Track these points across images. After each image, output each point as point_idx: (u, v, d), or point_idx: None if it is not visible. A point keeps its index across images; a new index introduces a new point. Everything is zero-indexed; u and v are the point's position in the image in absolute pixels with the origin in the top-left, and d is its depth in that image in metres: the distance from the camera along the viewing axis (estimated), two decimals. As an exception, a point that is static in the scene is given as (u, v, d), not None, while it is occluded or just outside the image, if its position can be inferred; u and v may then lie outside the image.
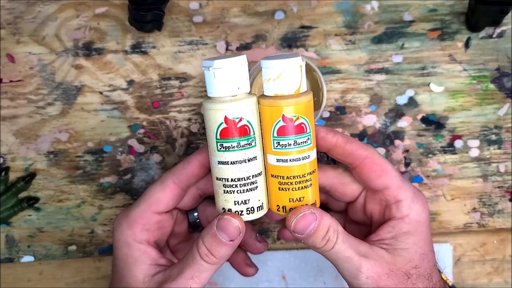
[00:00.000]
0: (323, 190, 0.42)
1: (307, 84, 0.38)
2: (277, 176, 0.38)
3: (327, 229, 0.37)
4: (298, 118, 0.36)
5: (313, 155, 0.37)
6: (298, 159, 0.37)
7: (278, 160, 0.37)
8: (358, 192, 0.41)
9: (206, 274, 0.37)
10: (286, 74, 0.35)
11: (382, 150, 0.48)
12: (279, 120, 0.36)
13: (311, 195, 0.38)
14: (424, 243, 0.38)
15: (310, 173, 0.37)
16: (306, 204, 0.37)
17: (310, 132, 0.36)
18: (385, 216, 0.40)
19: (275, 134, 0.36)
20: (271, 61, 0.35)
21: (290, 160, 0.37)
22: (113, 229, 0.41)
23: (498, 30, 0.47)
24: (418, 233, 0.38)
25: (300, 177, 0.37)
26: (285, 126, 0.36)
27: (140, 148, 0.48)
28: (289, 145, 0.36)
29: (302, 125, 0.36)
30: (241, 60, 0.35)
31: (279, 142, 0.36)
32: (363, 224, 0.43)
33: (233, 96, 0.35)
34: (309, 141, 0.37)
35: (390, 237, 0.38)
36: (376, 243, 0.38)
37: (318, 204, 0.39)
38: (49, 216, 0.49)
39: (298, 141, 0.36)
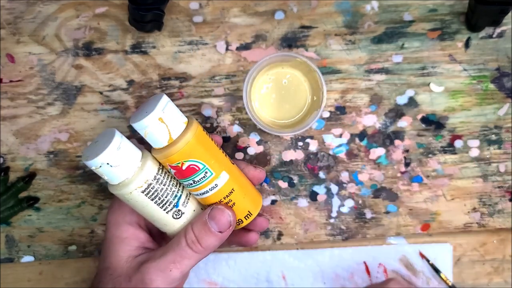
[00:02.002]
0: None
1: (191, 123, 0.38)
2: (204, 205, 0.40)
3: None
4: (182, 163, 0.36)
5: (221, 181, 0.38)
6: (207, 192, 0.38)
7: (195, 194, 0.39)
8: None
9: (188, 261, 0.38)
10: (150, 131, 0.36)
11: (382, 150, 0.48)
12: (170, 169, 0.37)
13: (238, 211, 0.40)
14: None
15: (227, 196, 0.39)
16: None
17: (204, 166, 0.37)
18: None
19: (176, 177, 0.38)
20: (134, 124, 0.36)
21: (200, 193, 0.38)
22: (107, 212, 0.42)
23: (498, 30, 0.47)
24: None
25: (218, 203, 0.39)
26: (177, 172, 0.37)
27: (140, 148, 0.48)
28: (191, 184, 0.38)
29: (191, 166, 0.37)
30: (112, 149, 0.35)
31: (183, 183, 0.38)
32: None
33: (121, 182, 0.37)
34: (208, 174, 0.37)
35: None
36: None
37: (254, 213, 0.41)
38: (49, 216, 0.49)
39: (196, 179, 0.37)
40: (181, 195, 0.39)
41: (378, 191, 0.48)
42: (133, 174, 0.36)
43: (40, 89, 0.47)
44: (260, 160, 0.48)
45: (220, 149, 0.40)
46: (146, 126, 0.35)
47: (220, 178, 0.38)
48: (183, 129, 0.37)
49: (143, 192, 0.37)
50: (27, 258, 0.49)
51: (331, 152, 0.48)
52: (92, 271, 0.50)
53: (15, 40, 0.47)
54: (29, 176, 0.48)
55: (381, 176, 0.48)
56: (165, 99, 0.36)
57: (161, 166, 0.38)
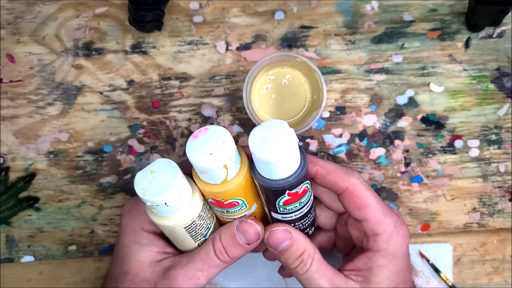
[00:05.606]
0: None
1: (243, 164, 0.36)
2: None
3: (302, 251, 0.37)
4: (226, 200, 0.36)
5: (250, 211, 0.38)
6: (234, 218, 0.38)
7: (220, 215, 0.39)
8: (343, 209, 0.42)
9: (216, 270, 0.38)
10: (209, 173, 0.35)
11: (382, 150, 0.48)
12: (210, 198, 0.37)
13: None
14: (396, 276, 0.38)
15: None
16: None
17: (243, 202, 0.37)
18: (363, 243, 0.40)
19: (211, 204, 0.38)
20: (193, 162, 0.34)
21: (227, 218, 0.39)
22: (121, 214, 0.41)
23: (498, 30, 0.47)
24: (392, 266, 0.38)
25: (247, 217, 0.38)
26: (216, 203, 0.37)
27: (140, 148, 0.48)
28: (223, 212, 0.38)
29: (233, 202, 0.36)
30: (174, 192, 0.34)
31: (215, 209, 0.38)
32: (350, 239, 0.43)
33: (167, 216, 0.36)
34: (243, 208, 0.37)
35: (365, 268, 0.38)
36: (352, 273, 0.39)
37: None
38: (49, 216, 0.49)
39: (231, 210, 0.37)
40: (211, 226, 0.39)
41: (378, 191, 0.48)
42: (181, 212, 0.36)
43: (40, 89, 0.47)
44: (260, 160, 0.48)
45: None
46: (209, 169, 0.34)
47: (250, 209, 0.38)
48: (238, 170, 0.36)
49: (185, 228, 0.37)
50: (27, 258, 0.49)
51: (331, 152, 0.48)
52: (92, 271, 0.50)
53: (15, 40, 0.47)
54: (29, 176, 0.48)
55: (381, 176, 0.48)
56: (231, 141, 0.34)
57: (205, 202, 0.38)
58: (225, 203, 0.36)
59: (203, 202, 0.37)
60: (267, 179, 0.35)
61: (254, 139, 0.33)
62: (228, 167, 0.34)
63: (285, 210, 0.37)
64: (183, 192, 0.35)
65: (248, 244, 0.37)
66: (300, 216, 0.38)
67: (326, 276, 0.37)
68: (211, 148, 0.34)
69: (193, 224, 0.37)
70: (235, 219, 0.38)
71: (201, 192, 0.37)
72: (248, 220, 0.37)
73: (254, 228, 0.37)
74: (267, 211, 0.39)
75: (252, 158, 0.35)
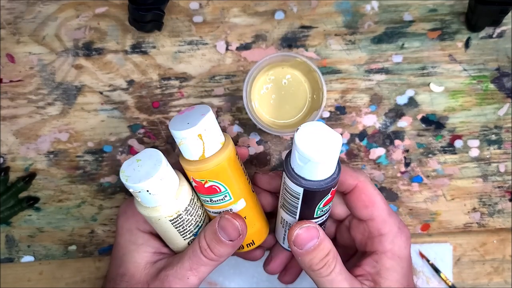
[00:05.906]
0: None
1: (226, 139, 0.37)
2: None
3: (328, 252, 0.36)
4: (206, 181, 0.36)
5: (237, 207, 0.38)
6: (220, 212, 0.38)
7: (207, 209, 0.39)
8: (345, 215, 0.42)
9: (205, 268, 0.38)
10: (185, 143, 0.35)
11: (382, 150, 0.48)
12: (191, 181, 0.37)
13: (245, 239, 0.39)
14: (403, 279, 0.38)
15: None
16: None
17: (226, 190, 0.37)
18: (367, 247, 0.40)
19: (195, 190, 0.38)
20: (172, 130, 0.35)
21: (213, 212, 0.38)
22: (117, 215, 0.41)
23: (498, 30, 0.47)
24: (400, 268, 0.38)
25: (228, 212, 0.38)
26: (198, 186, 0.37)
27: (140, 148, 0.48)
28: (207, 201, 0.38)
29: (214, 187, 0.36)
30: (156, 179, 0.34)
31: (199, 197, 0.38)
32: (349, 247, 0.43)
33: (152, 207, 0.36)
34: (226, 198, 0.37)
35: (374, 272, 0.38)
36: (362, 279, 0.38)
37: (256, 243, 0.40)
38: (49, 216, 0.49)
39: (214, 199, 0.37)
40: (202, 225, 0.39)
41: (378, 191, 0.48)
42: (166, 203, 0.36)
43: (40, 89, 0.47)
44: (260, 160, 0.48)
45: (246, 175, 0.39)
46: (184, 137, 0.35)
47: (237, 204, 0.38)
48: (218, 150, 0.36)
49: (171, 221, 0.37)
50: (27, 258, 0.49)
51: (331, 152, 0.48)
52: (92, 271, 0.50)
53: (15, 40, 0.47)
54: (29, 176, 0.48)
55: (381, 176, 0.48)
56: (211, 115, 0.35)
57: (193, 197, 0.38)
58: (205, 186, 0.36)
59: (191, 197, 0.37)
60: (316, 181, 0.34)
61: (305, 147, 0.32)
62: (204, 139, 0.35)
63: (322, 211, 0.37)
64: (167, 182, 0.35)
65: (231, 241, 0.37)
66: (328, 216, 0.38)
67: (348, 279, 0.37)
68: (190, 120, 0.35)
69: (180, 218, 0.37)
70: (220, 212, 0.38)
71: (192, 189, 0.38)
72: (226, 215, 0.37)
73: (233, 224, 0.37)
74: (288, 219, 0.38)
75: (291, 169, 0.34)
